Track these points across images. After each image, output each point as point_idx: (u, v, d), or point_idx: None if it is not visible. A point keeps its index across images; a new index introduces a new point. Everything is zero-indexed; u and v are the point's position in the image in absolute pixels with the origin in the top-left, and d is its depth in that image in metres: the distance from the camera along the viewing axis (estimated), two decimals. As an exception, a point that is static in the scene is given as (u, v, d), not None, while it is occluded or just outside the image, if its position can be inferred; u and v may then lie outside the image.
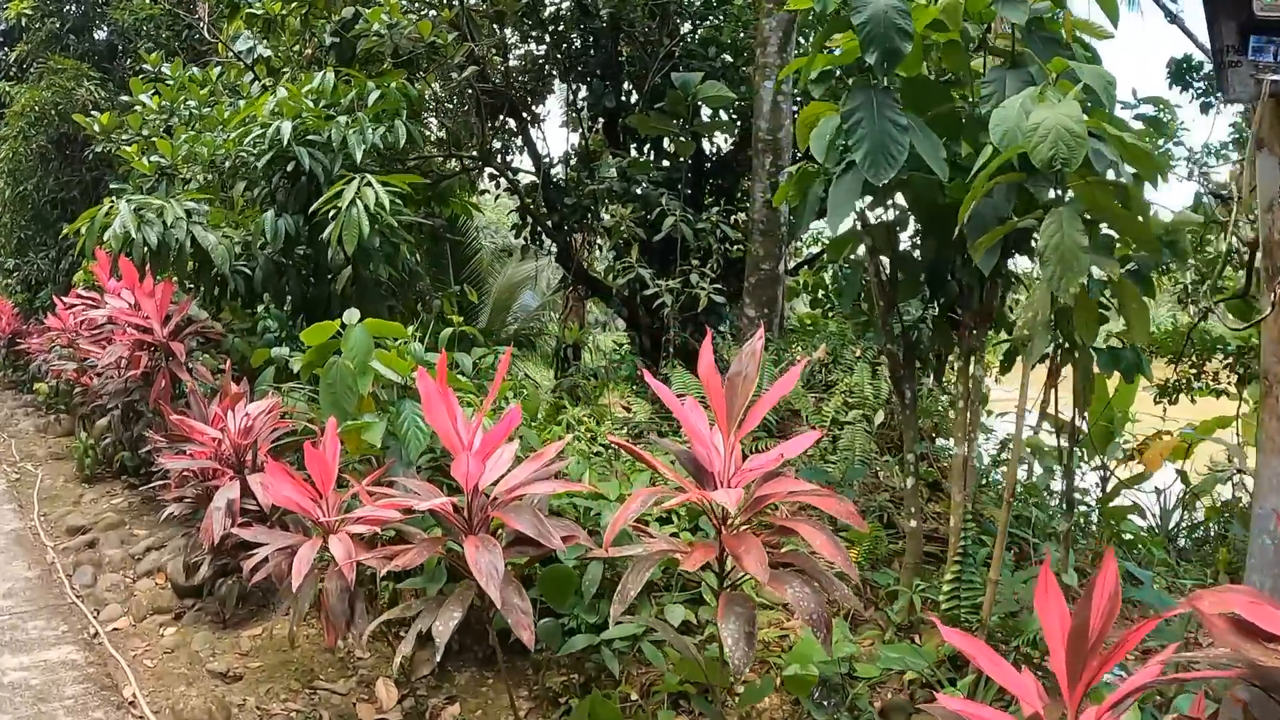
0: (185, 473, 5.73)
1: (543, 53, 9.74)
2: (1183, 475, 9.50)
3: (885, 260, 5.83)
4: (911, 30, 4.77)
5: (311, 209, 6.64)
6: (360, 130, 7.01)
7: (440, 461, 5.35)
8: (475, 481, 4.06)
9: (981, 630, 5.05)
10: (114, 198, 7.16)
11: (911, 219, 5.75)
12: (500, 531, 4.25)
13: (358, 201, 6.31)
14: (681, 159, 8.80)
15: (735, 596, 3.81)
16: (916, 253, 5.83)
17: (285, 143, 6.92)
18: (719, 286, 7.55)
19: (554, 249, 9.87)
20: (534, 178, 9.97)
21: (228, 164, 7.69)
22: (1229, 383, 9.92)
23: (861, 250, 5.90)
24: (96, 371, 8.03)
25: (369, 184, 6.48)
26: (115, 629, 6.13)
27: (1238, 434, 10.04)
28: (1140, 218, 4.33)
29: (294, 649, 5.56)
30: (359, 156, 6.94)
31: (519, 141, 9.92)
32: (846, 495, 6.41)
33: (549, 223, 9.48)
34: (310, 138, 7.19)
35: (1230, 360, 9.81)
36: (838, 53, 5.33)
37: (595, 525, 5.11)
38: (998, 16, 5.41)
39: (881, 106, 4.83)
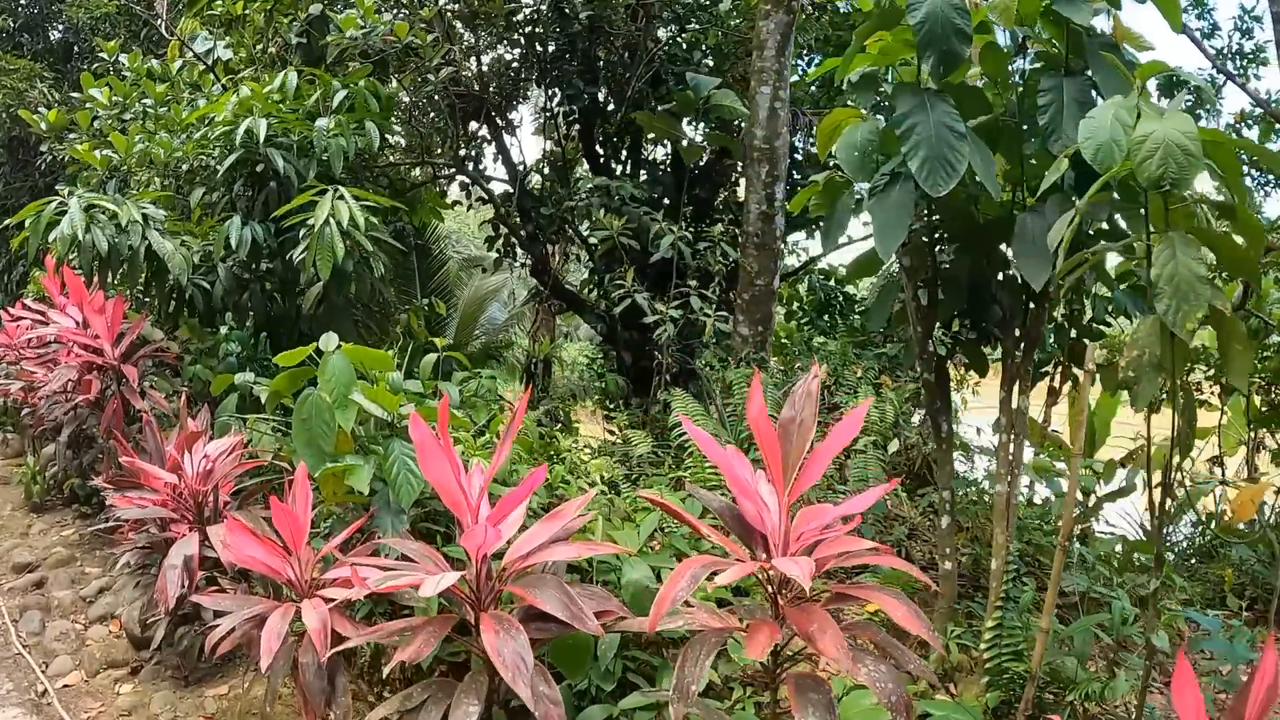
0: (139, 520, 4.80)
1: (517, 56, 8.86)
2: (1168, 489, 8.96)
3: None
4: (970, 32, 4.15)
5: (275, 215, 5.69)
6: (343, 135, 6.09)
7: (430, 505, 4.51)
8: (487, 551, 3.23)
9: (1032, 682, 4.42)
10: (66, 193, 6.12)
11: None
12: (513, 603, 3.43)
13: (331, 220, 5.40)
14: (687, 165, 7.95)
15: (808, 681, 3.06)
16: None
17: (258, 142, 5.97)
18: (724, 313, 6.75)
19: (528, 261, 9.01)
20: (507, 187, 9.12)
21: (185, 167, 6.69)
22: (1211, 394, 9.39)
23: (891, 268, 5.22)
24: (43, 393, 7.01)
25: (342, 198, 5.57)
26: (66, 685, 5.22)
27: (1219, 445, 9.55)
28: (1245, 242, 3.62)
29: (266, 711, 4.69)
30: (339, 166, 6.03)
31: (493, 149, 9.03)
32: (863, 531, 5.71)
33: (523, 233, 8.62)
34: (279, 140, 6.25)
35: (1213, 371, 9.22)
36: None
37: (607, 577, 4.32)
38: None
39: (936, 111, 4.15)
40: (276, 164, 6.02)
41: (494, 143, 8.81)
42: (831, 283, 10.76)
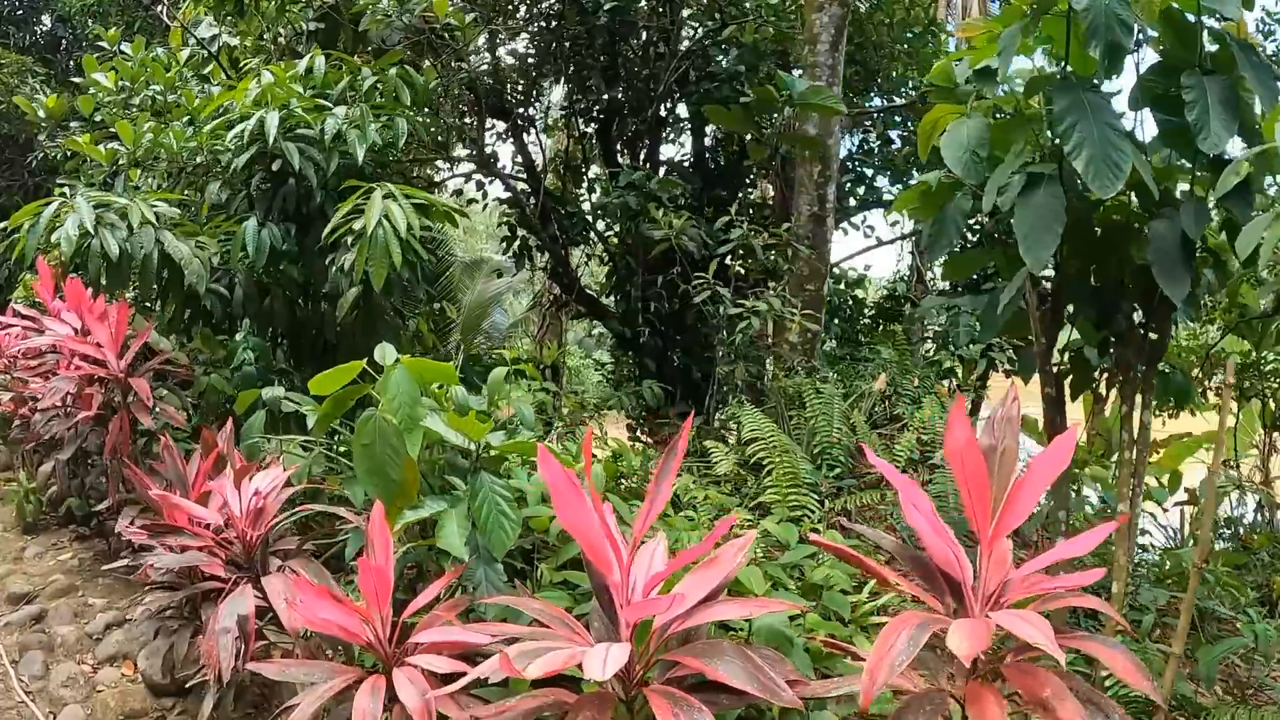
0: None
1: (534, 51, 8.06)
2: (1191, 494, 8.52)
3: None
4: (1133, 23, 3.69)
5: (327, 231, 4.80)
6: (362, 125, 5.27)
7: (517, 544, 3.75)
8: (644, 618, 2.50)
9: (1161, 711, 3.83)
10: (66, 192, 5.17)
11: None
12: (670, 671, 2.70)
13: (385, 223, 4.59)
14: (753, 163, 7.21)
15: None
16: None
17: (270, 138, 5.14)
18: (810, 312, 6.03)
19: (548, 263, 8.22)
20: (523, 186, 8.32)
21: (199, 159, 5.78)
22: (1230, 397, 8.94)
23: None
24: (38, 408, 6.09)
25: (391, 197, 4.75)
26: (78, 741, 4.40)
27: (1235, 449, 9.12)
28: None
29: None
30: (360, 157, 5.21)
31: (510, 147, 8.24)
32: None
33: (546, 235, 7.83)
34: (300, 131, 5.41)
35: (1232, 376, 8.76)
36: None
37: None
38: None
39: (1096, 109, 3.71)
40: (292, 160, 5.17)
41: (513, 140, 8.01)
42: (842, 286, 10.13)
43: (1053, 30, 4.05)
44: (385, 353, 3.81)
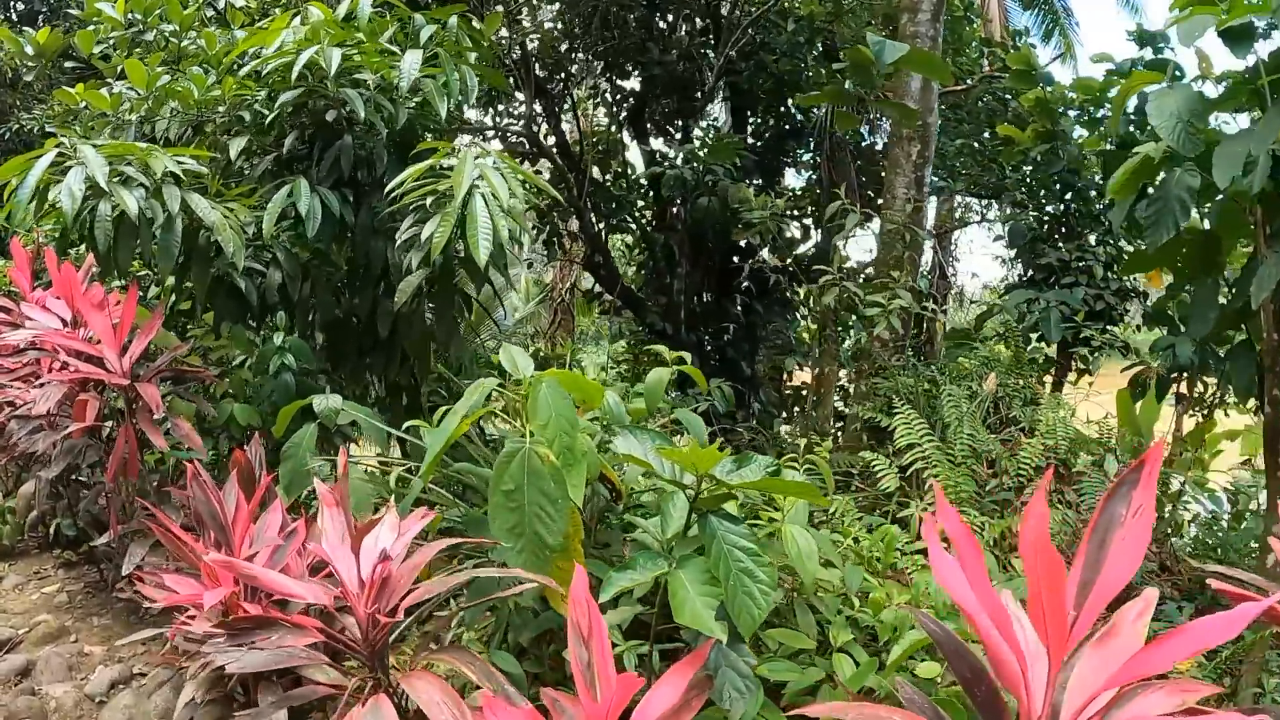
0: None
1: (562, 26, 6.85)
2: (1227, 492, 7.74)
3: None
4: None
5: (391, 186, 3.51)
6: (447, 73, 4.03)
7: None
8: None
9: None
10: (64, 141, 3.72)
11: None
12: None
13: (478, 192, 3.36)
14: (840, 133, 6.06)
15: None
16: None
17: (332, 74, 3.82)
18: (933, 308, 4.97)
19: (586, 252, 7.02)
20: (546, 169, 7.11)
21: (221, 109, 4.36)
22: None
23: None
24: (15, 415, 4.68)
25: (486, 158, 3.53)
26: None
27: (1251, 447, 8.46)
28: None
29: None
30: (443, 111, 3.96)
31: (545, 126, 6.98)
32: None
33: (586, 220, 6.62)
34: (358, 77, 4.10)
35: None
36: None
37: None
38: None
39: None
40: (356, 108, 3.87)
41: (547, 120, 6.78)
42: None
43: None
44: (517, 360, 2.63)
